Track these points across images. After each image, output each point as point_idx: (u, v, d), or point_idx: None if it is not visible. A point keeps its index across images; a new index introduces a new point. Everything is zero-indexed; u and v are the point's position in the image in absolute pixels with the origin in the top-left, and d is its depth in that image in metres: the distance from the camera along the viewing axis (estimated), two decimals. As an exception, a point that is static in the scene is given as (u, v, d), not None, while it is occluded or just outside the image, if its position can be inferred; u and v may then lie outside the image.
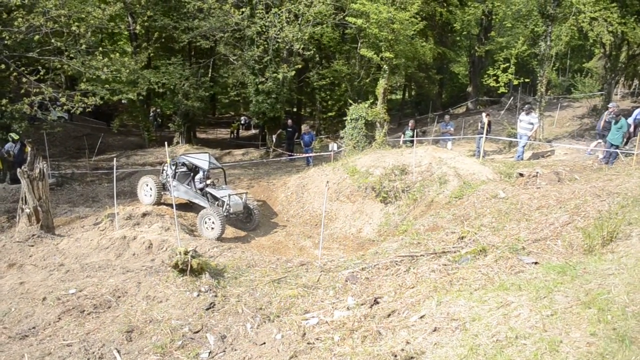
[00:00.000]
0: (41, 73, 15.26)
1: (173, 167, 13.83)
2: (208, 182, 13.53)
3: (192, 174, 13.99)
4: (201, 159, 13.80)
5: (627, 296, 4.49)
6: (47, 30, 14.70)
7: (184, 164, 14.16)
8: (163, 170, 14.19)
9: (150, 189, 13.79)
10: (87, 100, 15.10)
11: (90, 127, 30.22)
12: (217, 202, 13.09)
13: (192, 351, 5.93)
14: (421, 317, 5.56)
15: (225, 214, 12.59)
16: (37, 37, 14.84)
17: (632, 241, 6.18)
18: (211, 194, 13.27)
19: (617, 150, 14.52)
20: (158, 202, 13.69)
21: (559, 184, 11.41)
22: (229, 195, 12.93)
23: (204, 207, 13.00)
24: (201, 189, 13.44)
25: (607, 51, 22.59)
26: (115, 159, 13.89)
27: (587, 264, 5.69)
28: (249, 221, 13.61)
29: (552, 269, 5.76)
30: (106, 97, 16.73)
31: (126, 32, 27.10)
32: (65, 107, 15.79)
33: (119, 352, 5.91)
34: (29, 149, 15.59)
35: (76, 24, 15.05)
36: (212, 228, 12.14)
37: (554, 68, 30.93)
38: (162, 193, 13.76)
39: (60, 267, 9.17)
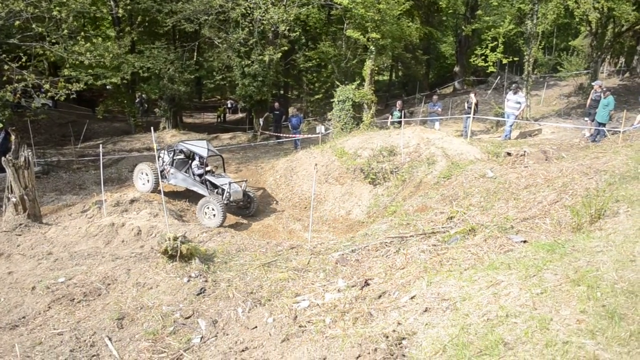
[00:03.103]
0: (23, 60, 14.99)
1: (171, 155, 13.72)
2: (207, 169, 13.44)
3: (190, 161, 13.88)
4: (199, 146, 13.71)
5: (615, 273, 4.52)
6: (28, 16, 14.41)
7: (181, 151, 14.04)
8: (159, 157, 14.01)
9: (147, 176, 13.65)
10: (70, 87, 14.88)
11: (75, 114, 29.87)
12: (216, 190, 13.03)
13: (184, 337, 5.92)
14: (412, 298, 5.58)
15: (225, 202, 12.56)
16: (17, 22, 14.55)
17: (619, 218, 6.23)
18: (211, 182, 13.21)
19: (604, 129, 14.62)
20: (155, 190, 13.56)
21: (546, 162, 11.48)
22: (229, 183, 12.89)
23: (202, 195, 12.92)
24: (200, 176, 13.33)
25: (593, 29, 22.58)
26: (101, 145, 13.78)
27: (575, 241, 5.73)
28: (248, 208, 13.62)
29: (541, 247, 5.80)
30: (90, 82, 16.47)
31: (109, 17, 26.69)
32: (48, 94, 15.55)
33: (110, 339, 5.88)
34: (13, 137, 15.37)
35: (57, 8, 14.75)
36: (213, 216, 12.11)
37: (540, 47, 30.92)
38: (160, 180, 13.66)
39: (48, 256, 9.11)
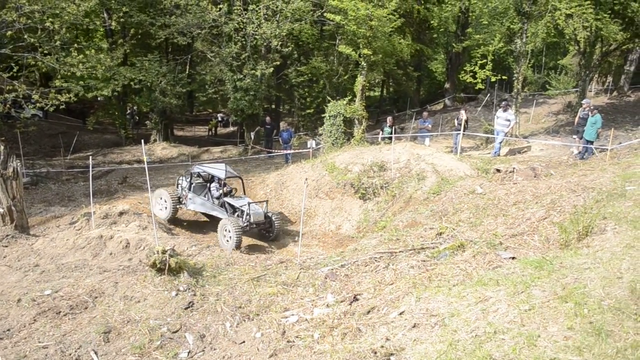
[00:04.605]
0: (14, 70, 14.97)
1: (188, 179, 13.29)
2: (226, 190, 12.92)
3: (208, 184, 13.36)
4: (217, 168, 13.22)
5: (602, 290, 4.56)
6: (20, 27, 14.41)
7: (199, 175, 13.56)
8: (179, 184, 13.59)
9: (165, 202, 13.08)
10: (60, 98, 14.83)
11: (65, 125, 29.75)
12: (236, 213, 12.47)
13: (171, 351, 5.87)
14: (400, 314, 5.58)
15: (245, 224, 11.99)
16: (9, 33, 14.54)
17: (607, 235, 6.28)
18: (229, 204, 12.61)
19: (592, 146, 14.77)
20: (174, 217, 13.11)
21: (535, 179, 11.55)
22: (249, 204, 12.28)
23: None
24: (218, 199, 12.81)
25: (581, 48, 22.89)
26: (91, 157, 13.68)
27: (563, 258, 5.76)
28: (269, 232, 12.83)
29: (529, 263, 5.83)
30: (80, 94, 16.44)
31: (102, 29, 26.75)
32: (38, 105, 15.49)
33: (96, 353, 5.82)
34: (2, 147, 15.24)
35: (50, 19, 14.77)
36: (229, 239, 11.51)
37: (530, 65, 31.29)
38: (178, 207, 13.13)
39: (35, 268, 9.01)
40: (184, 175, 13.69)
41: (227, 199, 12.68)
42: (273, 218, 12.70)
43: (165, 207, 13.09)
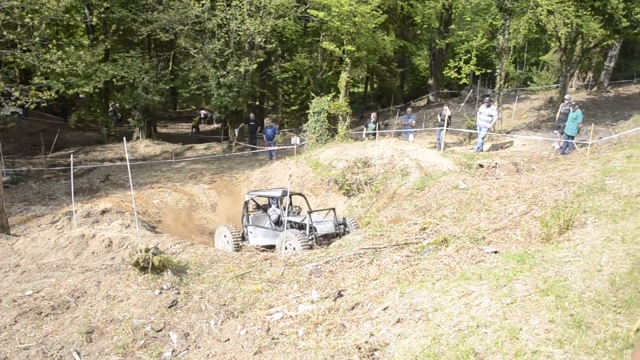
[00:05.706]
0: (-8, 67, 14.76)
1: (244, 210, 12.31)
2: (284, 208, 11.82)
3: (268, 211, 12.34)
4: (272, 189, 12.19)
5: (583, 283, 4.61)
6: (-1, 23, 14.20)
7: (258, 206, 12.56)
8: (244, 225, 12.44)
9: (227, 239, 12.08)
10: (41, 95, 14.62)
11: (46, 123, 29.41)
12: (302, 231, 10.78)
13: (155, 350, 5.82)
14: (385, 309, 5.59)
15: (310, 238, 10.40)
16: (-13, 29, 14.31)
17: (587, 229, 6.35)
18: (291, 222, 11.32)
19: (572, 141, 14.93)
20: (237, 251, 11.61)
21: (517, 174, 11.66)
22: (309, 214, 10.78)
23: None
24: (278, 223, 11.60)
25: (562, 45, 23.12)
26: (72, 155, 13.54)
27: (544, 252, 5.82)
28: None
29: (511, 257, 5.88)
30: (61, 91, 16.22)
31: (83, 25, 26.42)
32: (18, 102, 15.26)
33: (78, 353, 5.76)
34: (-20, 146, 15.04)
35: (30, 15, 14.55)
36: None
37: (512, 61, 31.54)
38: (241, 244, 11.97)
39: (15, 268, 8.89)
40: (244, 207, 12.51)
41: (289, 217, 11.35)
42: (348, 225, 11.06)
43: (227, 243, 12.04)
